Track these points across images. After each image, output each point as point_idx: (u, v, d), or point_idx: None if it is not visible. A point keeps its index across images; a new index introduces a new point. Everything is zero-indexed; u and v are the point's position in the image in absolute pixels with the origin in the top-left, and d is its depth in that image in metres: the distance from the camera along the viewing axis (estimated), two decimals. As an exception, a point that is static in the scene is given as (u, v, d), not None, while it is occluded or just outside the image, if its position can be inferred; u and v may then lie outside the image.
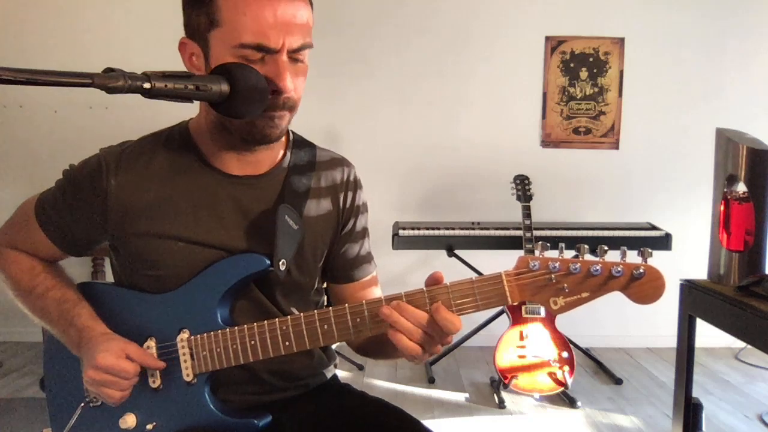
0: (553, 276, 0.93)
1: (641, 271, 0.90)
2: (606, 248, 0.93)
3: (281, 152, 1.19)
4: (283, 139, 1.20)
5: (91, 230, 1.15)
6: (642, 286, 0.91)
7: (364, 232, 1.27)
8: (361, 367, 3.42)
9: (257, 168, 1.15)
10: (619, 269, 0.91)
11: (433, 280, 0.98)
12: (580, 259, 0.93)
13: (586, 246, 0.94)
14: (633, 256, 0.92)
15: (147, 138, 1.17)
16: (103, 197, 1.11)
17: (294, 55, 1.03)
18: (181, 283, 1.10)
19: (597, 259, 0.93)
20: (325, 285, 1.31)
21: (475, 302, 0.96)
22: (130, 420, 1.10)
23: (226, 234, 1.12)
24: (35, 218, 1.16)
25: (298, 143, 1.22)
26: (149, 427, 1.09)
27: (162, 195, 1.11)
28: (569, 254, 0.95)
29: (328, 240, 1.21)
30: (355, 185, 1.25)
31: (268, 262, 1.08)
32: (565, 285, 0.93)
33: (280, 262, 1.09)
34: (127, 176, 1.11)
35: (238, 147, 1.11)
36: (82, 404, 1.14)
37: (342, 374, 3.19)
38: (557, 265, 0.93)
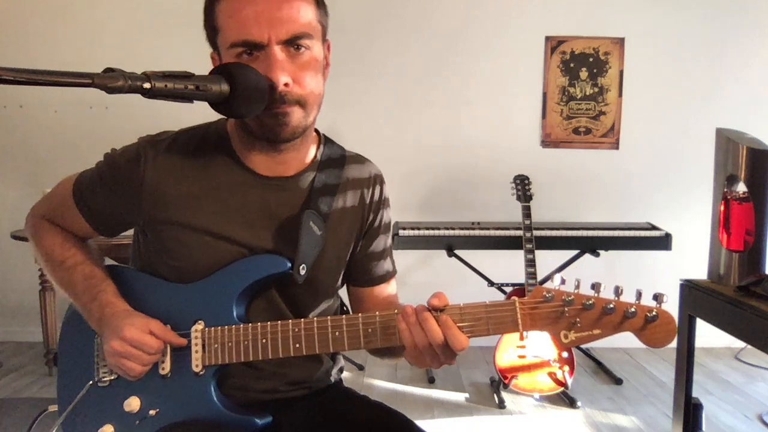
0: (566, 309, 0.93)
1: (654, 314, 0.91)
2: (622, 289, 0.93)
3: (311, 153, 1.19)
4: (314, 139, 1.21)
5: (125, 214, 1.18)
6: (654, 329, 0.92)
7: (385, 250, 1.27)
8: (361, 368, 3.42)
9: (286, 169, 1.16)
10: (632, 310, 0.91)
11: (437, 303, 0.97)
12: (596, 295, 0.93)
13: (602, 283, 0.93)
14: (648, 299, 0.92)
15: (185, 131, 1.18)
16: (138, 184, 1.13)
17: (292, 44, 1.02)
18: (200, 276, 1.12)
19: (612, 297, 0.93)
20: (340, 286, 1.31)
21: (486, 326, 0.96)
22: (134, 403, 1.11)
23: (252, 233, 1.12)
24: (72, 197, 1.19)
25: (329, 146, 1.23)
26: (152, 412, 1.10)
27: (195, 188, 1.13)
28: (586, 284, 0.94)
29: (349, 249, 1.22)
30: (380, 204, 1.24)
31: (289, 265, 1.09)
32: (578, 320, 0.93)
33: (301, 267, 1.10)
34: (164, 165, 1.13)
35: (263, 147, 1.12)
36: (90, 383, 1.15)
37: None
38: (572, 298, 0.93)
